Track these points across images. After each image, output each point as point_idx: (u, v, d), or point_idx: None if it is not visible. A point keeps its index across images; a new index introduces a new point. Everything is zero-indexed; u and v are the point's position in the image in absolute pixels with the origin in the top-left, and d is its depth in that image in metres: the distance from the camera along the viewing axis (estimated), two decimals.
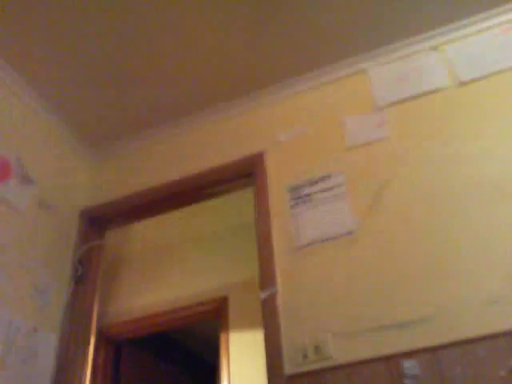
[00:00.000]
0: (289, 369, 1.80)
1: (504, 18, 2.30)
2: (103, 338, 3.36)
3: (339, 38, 2.38)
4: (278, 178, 2.30)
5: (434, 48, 2.38)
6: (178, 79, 2.52)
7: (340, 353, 1.76)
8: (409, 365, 1.65)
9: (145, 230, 3.55)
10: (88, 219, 2.63)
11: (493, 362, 1.56)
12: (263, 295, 1.98)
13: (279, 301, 1.96)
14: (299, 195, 2.19)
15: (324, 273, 1.96)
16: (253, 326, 3.09)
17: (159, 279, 3.57)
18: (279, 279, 2.02)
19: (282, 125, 2.48)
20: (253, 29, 2.30)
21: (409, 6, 2.25)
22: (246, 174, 2.41)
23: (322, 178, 2.19)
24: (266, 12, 2.23)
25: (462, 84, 2.21)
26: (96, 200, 2.70)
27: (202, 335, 4.71)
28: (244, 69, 2.51)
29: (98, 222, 2.66)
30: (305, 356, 1.79)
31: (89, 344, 2.36)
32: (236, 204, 3.26)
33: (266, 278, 2.02)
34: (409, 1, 2.23)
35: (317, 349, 1.79)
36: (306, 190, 2.19)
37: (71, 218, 2.60)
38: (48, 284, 2.30)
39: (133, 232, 3.56)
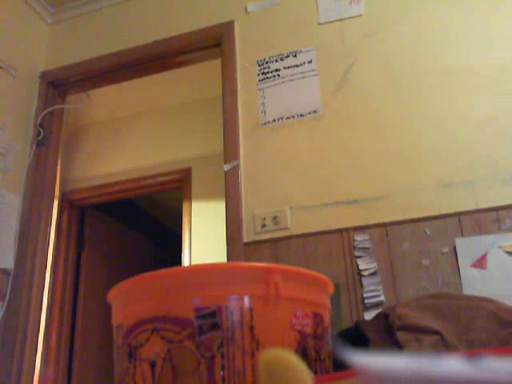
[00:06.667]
0: (247, 237, 1.89)
1: None
2: (67, 203, 3.41)
3: None
4: (246, 51, 2.22)
5: None
6: None
7: (297, 224, 1.85)
8: (360, 238, 1.75)
9: (111, 98, 3.45)
10: (48, 82, 2.54)
11: (438, 240, 1.68)
12: (226, 167, 2.01)
13: (242, 173, 2.00)
14: (268, 70, 2.13)
15: (287, 149, 1.98)
16: (215, 197, 3.17)
17: (125, 148, 3.55)
18: (243, 153, 2.04)
19: None
20: None
21: None
22: (214, 44, 2.31)
23: (292, 54, 2.12)
24: None
25: None
26: (56, 63, 2.59)
27: (165, 204, 4.84)
28: None
29: (59, 85, 2.57)
30: (263, 226, 1.87)
31: (52, 206, 2.40)
32: (204, 76, 3.18)
33: (230, 151, 2.04)
34: None
35: (275, 220, 1.87)
36: (275, 65, 2.13)
37: (31, 80, 2.50)
38: (9, 147, 2.25)
39: (97, 99, 3.46)
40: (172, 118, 3.54)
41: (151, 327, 0.74)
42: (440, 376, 0.32)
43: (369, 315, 1.62)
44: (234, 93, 2.13)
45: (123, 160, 3.51)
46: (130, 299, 0.81)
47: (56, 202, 2.45)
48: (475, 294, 1.51)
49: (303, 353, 0.76)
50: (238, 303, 0.73)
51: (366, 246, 1.73)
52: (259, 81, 2.13)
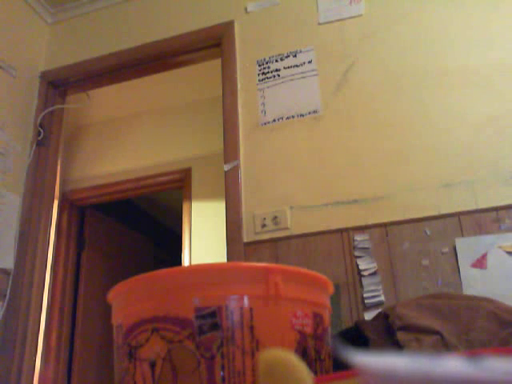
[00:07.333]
0: (247, 237, 1.89)
1: None
2: (67, 203, 3.41)
3: None
4: (246, 51, 2.22)
5: None
6: None
7: (297, 224, 1.85)
8: (360, 238, 1.75)
9: (111, 98, 3.45)
10: (48, 82, 2.54)
11: (438, 240, 1.68)
12: (226, 167, 2.01)
13: (242, 173, 2.00)
14: (268, 70, 2.13)
15: (287, 149, 1.98)
16: (215, 197, 3.17)
17: (125, 148, 3.55)
18: (243, 153, 2.04)
19: None
20: None
21: None
22: (214, 44, 2.31)
23: (292, 54, 2.12)
24: None
25: None
26: (56, 63, 2.59)
27: (165, 204, 4.84)
28: None
29: (59, 85, 2.57)
30: (263, 226, 1.87)
31: (52, 206, 2.40)
32: (204, 76, 3.18)
33: (230, 151, 2.04)
34: None
35: (275, 220, 1.87)
36: (275, 65, 2.13)
37: (31, 80, 2.50)
38: (9, 147, 2.25)
39: (97, 99, 3.46)
40: (172, 118, 3.54)
41: (151, 327, 0.74)
42: (440, 376, 0.32)
43: (369, 315, 1.62)
44: (234, 93, 2.13)
45: (123, 160, 3.51)
46: (130, 299, 0.81)
47: (56, 202, 2.45)
48: (475, 294, 1.51)
49: (303, 353, 0.76)
50: (238, 303, 0.73)
51: (366, 246, 1.73)
52: (259, 81, 2.13)
